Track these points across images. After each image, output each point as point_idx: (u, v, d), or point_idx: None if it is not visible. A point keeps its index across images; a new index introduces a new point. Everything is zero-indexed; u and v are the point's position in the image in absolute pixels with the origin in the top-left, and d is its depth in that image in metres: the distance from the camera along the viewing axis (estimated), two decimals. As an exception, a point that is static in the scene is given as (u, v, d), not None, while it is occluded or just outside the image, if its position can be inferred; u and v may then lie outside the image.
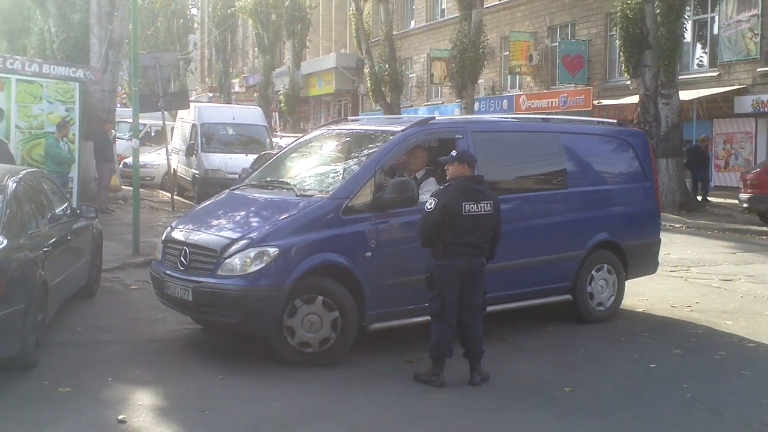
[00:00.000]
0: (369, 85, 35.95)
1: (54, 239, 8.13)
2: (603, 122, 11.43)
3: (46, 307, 7.56)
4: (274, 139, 24.23)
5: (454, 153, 7.45)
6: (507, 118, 11.84)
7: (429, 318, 7.36)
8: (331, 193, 7.98)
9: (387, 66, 35.07)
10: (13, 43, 35.76)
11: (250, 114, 24.52)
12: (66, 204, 9.50)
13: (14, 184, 7.70)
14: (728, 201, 23.20)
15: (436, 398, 6.83)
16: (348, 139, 9.36)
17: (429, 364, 7.23)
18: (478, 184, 7.29)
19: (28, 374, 6.98)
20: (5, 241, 6.83)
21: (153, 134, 27.45)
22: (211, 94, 60.73)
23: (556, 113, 25.93)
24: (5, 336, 6.59)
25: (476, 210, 7.10)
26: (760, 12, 24.01)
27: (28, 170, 9.10)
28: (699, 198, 23.56)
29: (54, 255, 7.96)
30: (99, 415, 6.19)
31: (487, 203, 7.17)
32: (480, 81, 31.48)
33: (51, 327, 8.04)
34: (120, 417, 6.10)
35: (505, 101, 32.62)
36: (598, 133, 10.38)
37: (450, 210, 7.04)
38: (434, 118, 9.36)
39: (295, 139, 10.97)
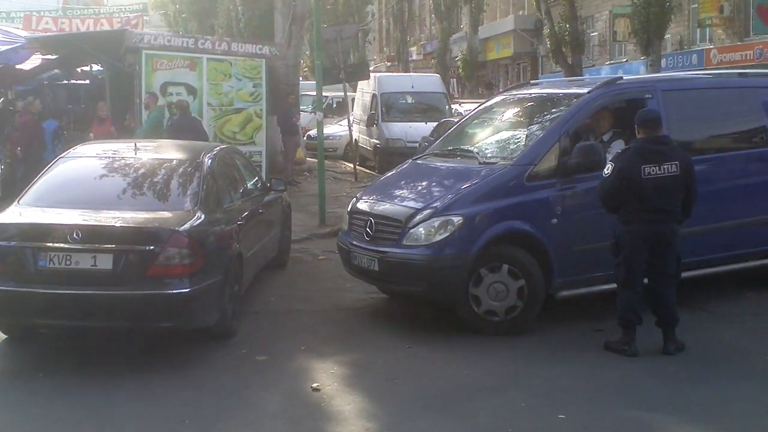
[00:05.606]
0: (549, 46, 35.08)
1: (247, 212, 8.42)
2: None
3: (241, 278, 7.87)
4: (453, 106, 24.14)
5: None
6: (700, 74, 11.21)
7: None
8: (514, 159, 7.87)
9: (567, 25, 34.05)
10: (202, 23, 37.41)
11: (429, 82, 24.54)
12: (256, 178, 9.84)
13: (210, 161, 8.02)
14: None
15: (628, 368, 6.64)
16: (531, 103, 9.16)
17: (619, 332, 7.00)
18: (660, 144, 6.93)
19: (227, 343, 7.32)
20: (203, 216, 7.15)
21: (334, 106, 28.04)
22: (389, 64, 61.27)
23: (752, 66, 24.30)
24: (205, 306, 6.91)
25: (659, 172, 6.77)
26: None
27: (222, 146, 9.49)
28: None
29: (247, 228, 8.25)
30: (294, 383, 6.43)
31: (671, 164, 6.81)
32: (666, 36, 29.99)
33: (246, 297, 8.37)
34: (314, 385, 6.30)
35: (694, 56, 30.92)
36: (802, 87, 9.64)
37: (627, 174, 6.77)
38: (621, 78, 9.02)
39: (477, 105, 10.87)
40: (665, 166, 6.80)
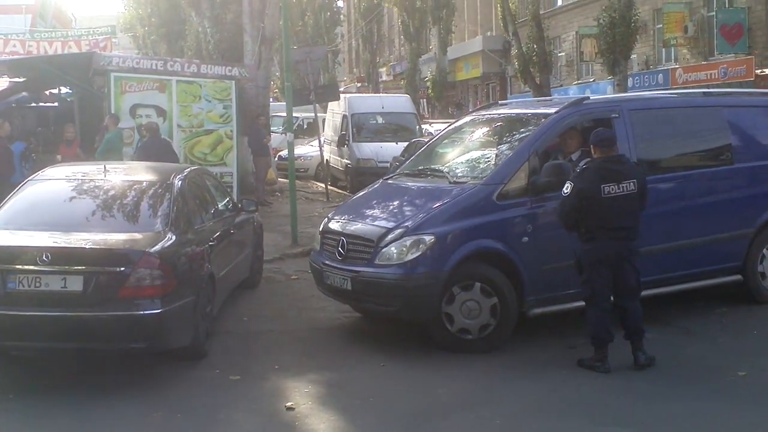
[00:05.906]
0: (517, 66, 35.44)
1: (218, 233, 8.41)
2: (769, 93, 10.82)
3: (213, 298, 7.86)
4: (423, 126, 24.27)
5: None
6: (665, 93, 11.40)
7: (586, 303, 7.21)
8: (484, 179, 7.93)
9: (535, 46, 34.44)
10: (171, 46, 37.31)
11: (399, 102, 24.66)
12: (228, 199, 9.84)
13: (180, 182, 8.01)
14: None
15: (601, 385, 6.68)
16: (499, 123, 9.24)
17: (592, 350, 7.06)
18: (617, 164, 7.04)
19: (200, 363, 7.29)
20: (174, 237, 7.13)
21: (305, 127, 28.06)
22: (359, 84, 61.52)
23: (716, 85, 24.69)
24: (177, 327, 6.89)
25: (618, 191, 6.87)
26: None
27: (192, 168, 9.48)
28: None
29: (219, 248, 8.24)
30: (268, 403, 6.41)
31: (629, 182, 6.93)
32: (632, 56, 30.43)
33: (219, 317, 8.35)
34: (288, 404, 6.29)
35: (660, 75, 31.36)
36: (764, 105, 9.83)
37: (587, 194, 6.86)
38: (588, 98, 9.16)
39: (447, 125, 10.95)
40: (624, 185, 6.91)
